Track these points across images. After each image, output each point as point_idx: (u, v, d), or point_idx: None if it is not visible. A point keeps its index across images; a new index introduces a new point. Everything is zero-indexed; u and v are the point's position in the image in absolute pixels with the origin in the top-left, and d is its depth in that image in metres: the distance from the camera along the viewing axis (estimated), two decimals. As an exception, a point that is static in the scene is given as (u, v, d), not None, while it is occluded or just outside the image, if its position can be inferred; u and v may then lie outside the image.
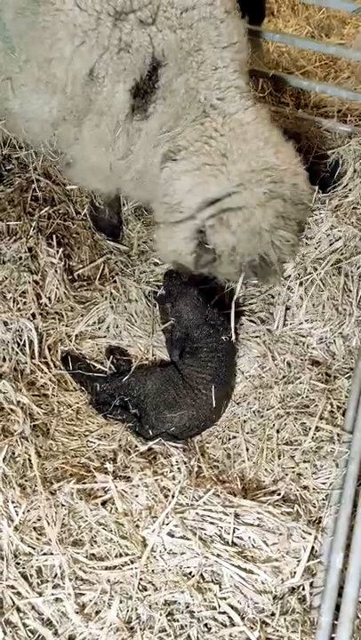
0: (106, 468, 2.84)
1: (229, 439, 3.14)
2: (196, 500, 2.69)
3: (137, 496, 2.70)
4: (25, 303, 3.33)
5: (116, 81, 2.87)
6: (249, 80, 3.24)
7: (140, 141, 3.03)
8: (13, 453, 2.80)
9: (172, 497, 2.68)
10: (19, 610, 2.41)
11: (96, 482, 2.76)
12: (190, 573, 2.53)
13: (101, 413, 3.13)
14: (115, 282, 3.63)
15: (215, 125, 2.97)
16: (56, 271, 3.47)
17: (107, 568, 2.51)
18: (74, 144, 3.14)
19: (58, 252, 3.53)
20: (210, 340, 3.19)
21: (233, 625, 2.43)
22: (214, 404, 3.05)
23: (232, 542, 2.59)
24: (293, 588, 2.55)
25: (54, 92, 2.95)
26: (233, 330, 3.18)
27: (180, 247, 3.11)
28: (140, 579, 2.49)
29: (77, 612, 2.41)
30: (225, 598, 2.48)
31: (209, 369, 3.11)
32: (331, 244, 3.51)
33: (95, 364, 3.30)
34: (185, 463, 2.89)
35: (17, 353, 3.20)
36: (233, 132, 2.96)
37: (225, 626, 2.42)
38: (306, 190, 3.09)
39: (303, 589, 2.56)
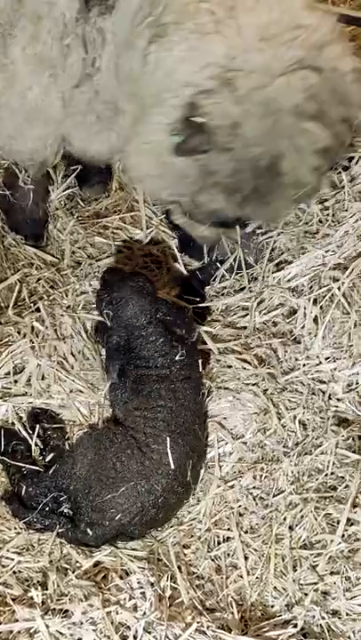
0: (31, 598, 2.79)
1: (218, 542, 3.12)
2: None
3: (80, 639, 2.67)
4: None
5: None
6: None
7: (109, 49, 3.04)
8: None
9: (135, 639, 2.65)
10: None
11: (17, 620, 2.72)
12: None
13: (22, 520, 3.09)
14: (37, 310, 3.61)
15: None
16: None
17: None
18: None
19: None
20: (160, 362, 3.22)
21: None
22: (172, 465, 3.04)
23: None
24: None
25: None
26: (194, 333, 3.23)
27: (155, 135, 3.13)
28: None
29: None
30: None
31: (160, 411, 3.13)
32: (357, 244, 3.53)
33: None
34: (152, 584, 2.86)
35: None
36: None
37: None
38: (353, 84, 3.09)
39: None
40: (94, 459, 3.09)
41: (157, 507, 3.04)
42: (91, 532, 3.00)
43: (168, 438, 3.07)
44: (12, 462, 3.17)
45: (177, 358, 3.21)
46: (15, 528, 3.08)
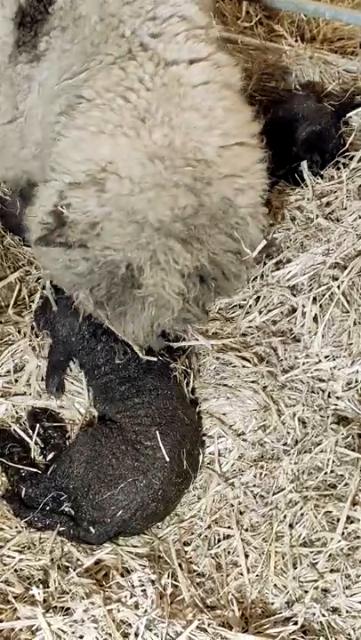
0: (33, 596, 2.80)
1: (219, 540, 3.13)
2: (173, 639, 2.66)
3: (82, 637, 2.68)
4: None
5: None
6: (213, 8, 3.24)
7: (32, 97, 3.05)
8: None
9: (136, 636, 2.65)
10: None
11: (18, 617, 2.73)
12: None
13: (23, 519, 3.10)
14: (38, 309, 3.63)
15: (142, 74, 2.95)
16: None
17: None
18: None
19: None
20: (114, 365, 3.26)
21: None
22: (166, 458, 3.07)
23: None
24: None
25: None
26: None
27: (38, 215, 3.05)
28: None
29: None
30: None
31: (140, 408, 3.17)
32: (357, 242, 3.53)
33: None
34: (153, 582, 2.87)
35: None
36: (165, 88, 2.93)
37: None
38: (246, 224, 3.00)
39: None
40: (90, 455, 3.10)
41: (157, 500, 3.06)
42: (93, 530, 3.02)
43: (158, 432, 3.09)
44: (10, 464, 3.19)
45: (128, 357, 3.25)
46: (16, 527, 3.09)
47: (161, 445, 3.06)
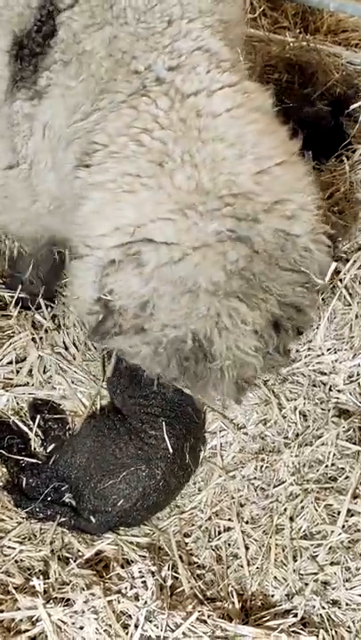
0: (33, 587, 2.81)
1: (219, 532, 3.15)
2: (173, 631, 2.68)
3: (82, 628, 2.69)
4: None
5: None
6: (240, 43, 2.96)
7: (36, 139, 2.80)
8: None
9: (136, 627, 2.67)
10: None
11: (19, 608, 2.74)
12: None
13: (23, 510, 3.12)
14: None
15: (155, 110, 2.65)
16: None
17: None
18: None
19: None
20: None
21: None
22: (170, 449, 3.08)
23: None
24: None
25: None
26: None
27: (81, 295, 2.79)
28: None
29: None
30: None
31: (154, 398, 3.16)
32: (359, 236, 3.52)
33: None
34: (153, 574, 2.88)
35: None
36: (182, 124, 2.63)
37: None
38: (310, 253, 2.67)
39: None
40: (93, 446, 3.12)
41: (158, 491, 3.07)
42: (94, 520, 3.04)
43: (164, 423, 3.09)
44: (9, 456, 3.20)
45: None
46: (17, 517, 3.11)
47: (166, 436, 3.07)
